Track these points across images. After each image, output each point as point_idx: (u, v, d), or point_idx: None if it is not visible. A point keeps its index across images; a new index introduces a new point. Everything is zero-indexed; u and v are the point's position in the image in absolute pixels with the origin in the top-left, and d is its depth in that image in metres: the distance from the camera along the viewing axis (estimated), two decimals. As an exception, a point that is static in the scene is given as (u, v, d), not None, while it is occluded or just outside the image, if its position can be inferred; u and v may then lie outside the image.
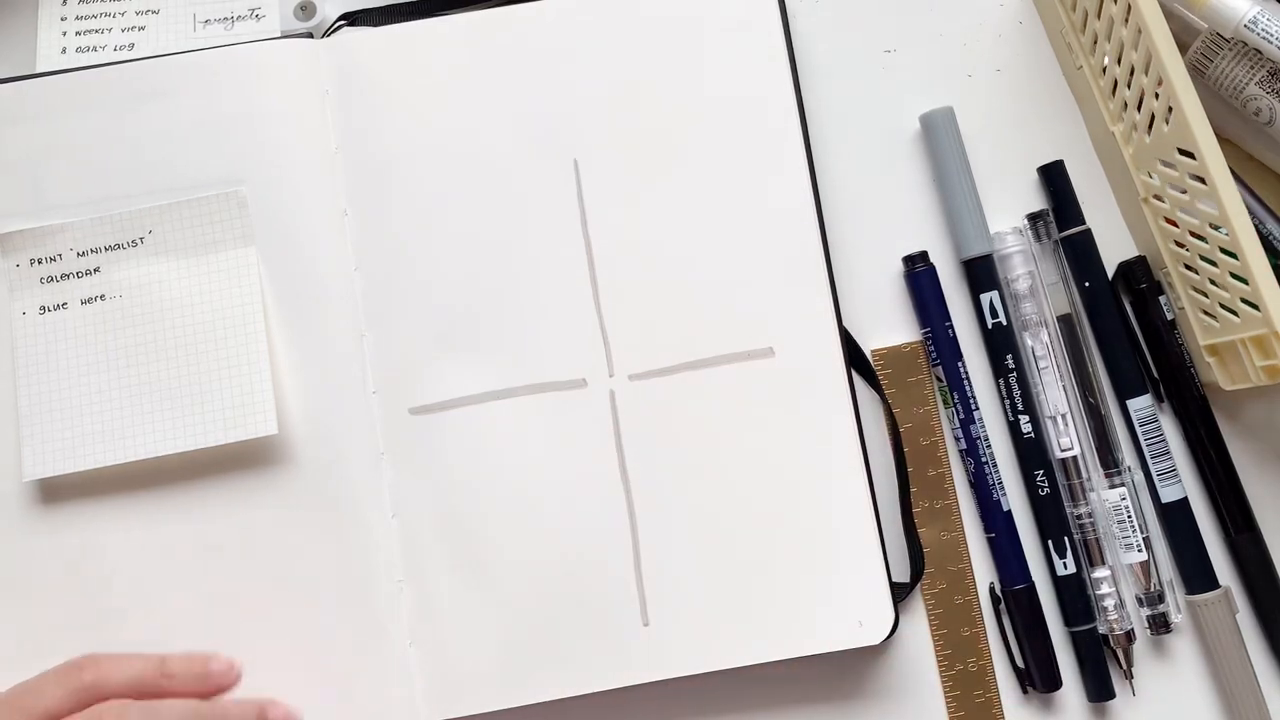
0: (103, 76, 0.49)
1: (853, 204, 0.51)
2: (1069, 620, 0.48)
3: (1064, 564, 0.48)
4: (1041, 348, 0.49)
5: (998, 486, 0.48)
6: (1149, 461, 0.48)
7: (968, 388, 0.49)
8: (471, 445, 0.47)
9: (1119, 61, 0.47)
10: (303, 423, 0.47)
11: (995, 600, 0.48)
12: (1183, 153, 0.44)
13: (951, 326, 0.49)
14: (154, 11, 0.53)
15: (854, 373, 0.48)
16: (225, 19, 0.53)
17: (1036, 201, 0.51)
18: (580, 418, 0.48)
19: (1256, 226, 0.44)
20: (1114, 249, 0.50)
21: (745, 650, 0.46)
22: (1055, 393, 0.48)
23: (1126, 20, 0.45)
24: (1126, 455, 0.48)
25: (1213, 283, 0.45)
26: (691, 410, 0.47)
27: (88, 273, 0.48)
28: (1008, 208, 0.50)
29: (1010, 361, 0.49)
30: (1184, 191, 0.44)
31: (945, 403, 0.49)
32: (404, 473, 0.47)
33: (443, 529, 0.47)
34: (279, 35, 0.52)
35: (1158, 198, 0.47)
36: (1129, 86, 0.46)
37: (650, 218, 0.49)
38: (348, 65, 0.50)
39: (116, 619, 0.47)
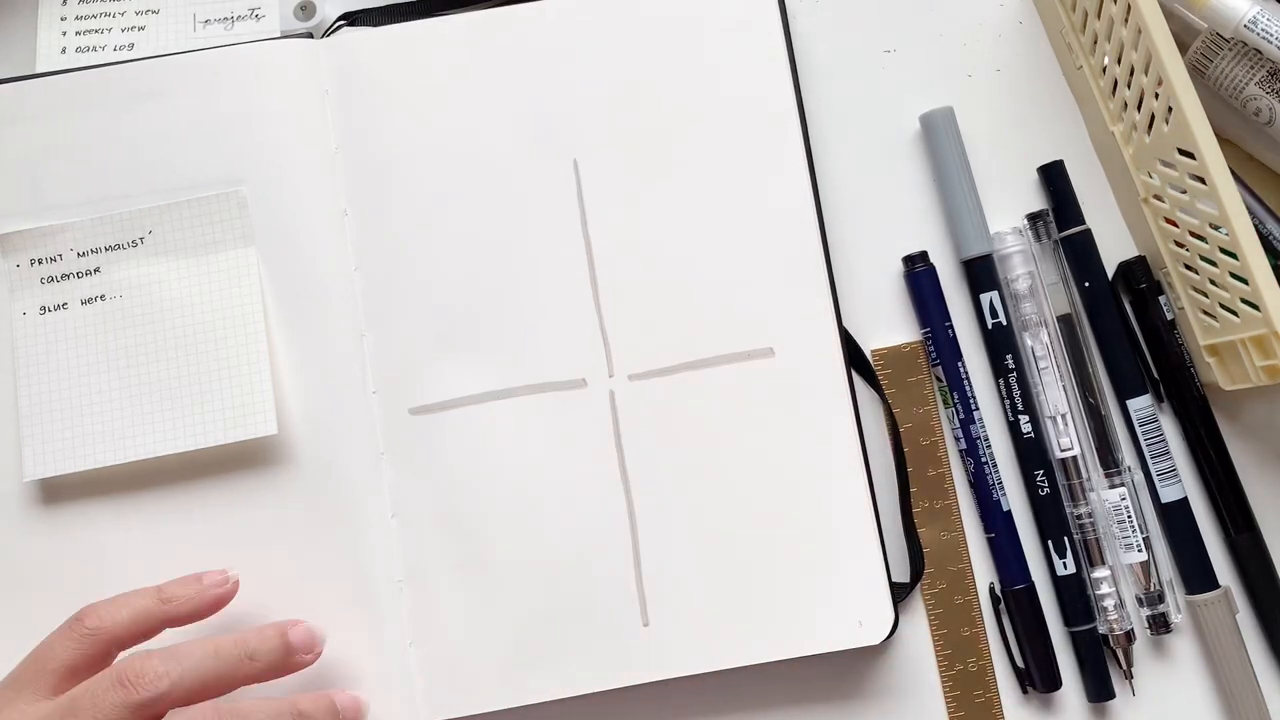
0: (102, 76, 0.49)
1: (853, 204, 0.51)
2: (1069, 620, 0.48)
3: (1064, 564, 0.48)
4: (1041, 348, 0.49)
5: (998, 486, 0.48)
6: (1149, 461, 0.48)
7: (968, 388, 0.49)
8: (471, 445, 0.47)
9: (1119, 61, 0.46)
10: (303, 423, 0.47)
11: (995, 600, 0.48)
12: (1183, 153, 0.43)
13: (951, 326, 0.49)
14: (154, 11, 0.53)
15: (854, 373, 0.48)
16: (225, 19, 0.53)
17: (1036, 201, 0.51)
18: (580, 418, 0.48)
19: (1256, 226, 0.44)
20: (1114, 249, 0.50)
21: (745, 650, 0.46)
22: (1055, 393, 0.48)
23: (1126, 20, 0.45)
24: (1126, 455, 0.48)
25: (1213, 283, 0.45)
26: (691, 410, 0.47)
27: (88, 273, 0.48)
28: (1008, 208, 0.50)
29: (1010, 361, 0.49)
30: (1184, 191, 0.44)
31: (945, 403, 0.49)
32: (404, 473, 0.47)
33: (443, 529, 0.47)
34: (279, 35, 0.52)
35: (1158, 198, 0.47)
36: (1129, 86, 0.46)
37: (650, 218, 0.49)
38: (348, 65, 0.50)
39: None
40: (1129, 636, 0.47)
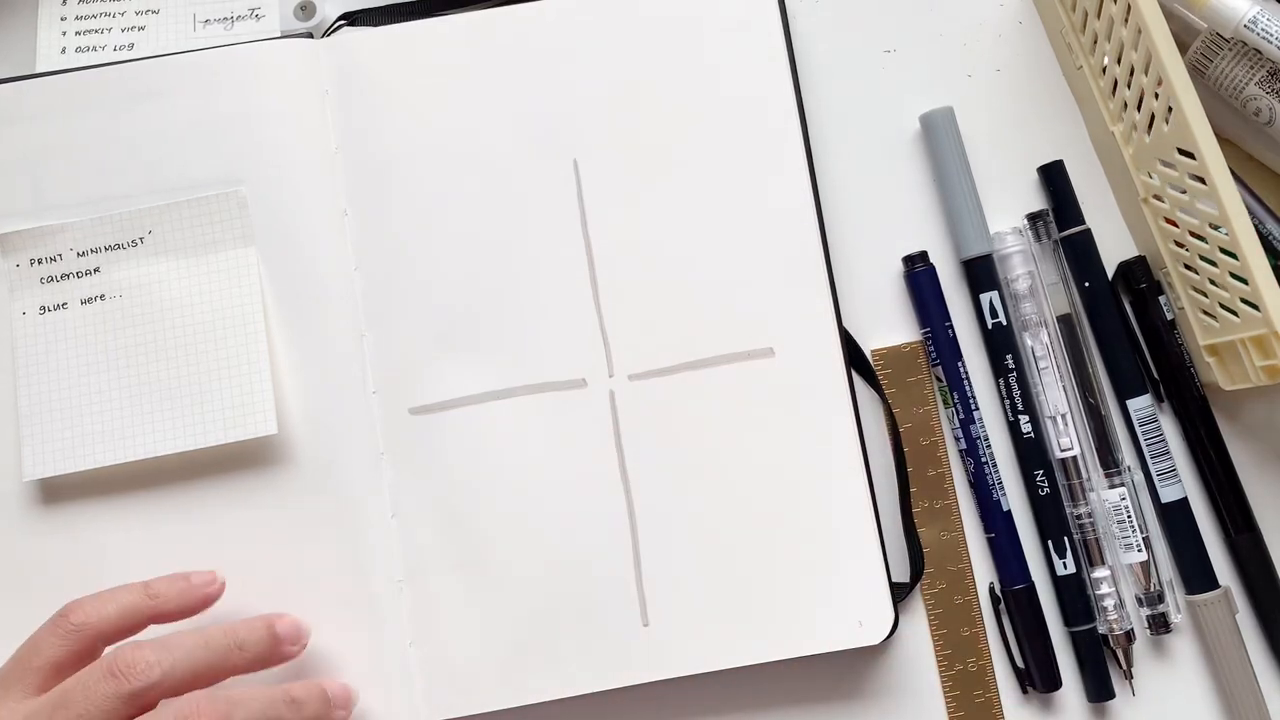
0: (102, 76, 0.49)
1: (853, 204, 0.51)
2: (1069, 620, 0.48)
3: (1064, 564, 0.48)
4: (1041, 348, 0.49)
5: (997, 486, 0.48)
6: (1149, 461, 0.48)
7: (967, 388, 0.49)
8: (471, 445, 0.47)
9: (1119, 61, 0.46)
10: (303, 423, 0.47)
11: (995, 600, 0.48)
12: (1183, 153, 0.43)
13: (951, 326, 0.49)
14: (154, 11, 0.53)
15: (854, 373, 0.48)
16: (225, 19, 0.53)
17: (1036, 201, 0.51)
18: (580, 418, 0.48)
19: (1256, 226, 0.44)
20: (1114, 249, 0.50)
21: (745, 650, 0.46)
22: (1055, 393, 0.48)
23: (1126, 20, 0.45)
24: (1126, 455, 0.48)
25: (1213, 283, 0.45)
26: (691, 410, 0.47)
27: (88, 273, 0.48)
28: (1008, 208, 0.50)
29: (1010, 361, 0.49)
30: (1184, 191, 0.44)
31: (945, 403, 0.49)
32: (404, 473, 0.47)
33: (443, 529, 0.47)
34: (279, 35, 0.52)
35: (1157, 198, 0.47)
36: (1129, 86, 0.46)
37: (650, 218, 0.49)
38: (348, 65, 0.50)
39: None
40: (1129, 636, 0.47)
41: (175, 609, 0.44)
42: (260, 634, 0.43)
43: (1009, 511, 0.48)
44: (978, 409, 0.49)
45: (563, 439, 0.47)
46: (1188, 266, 0.47)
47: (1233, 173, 0.42)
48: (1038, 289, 0.49)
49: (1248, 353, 0.44)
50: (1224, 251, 0.43)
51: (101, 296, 0.48)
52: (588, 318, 0.48)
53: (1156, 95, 0.44)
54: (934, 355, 0.49)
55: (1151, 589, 0.47)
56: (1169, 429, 0.49)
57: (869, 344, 0.50)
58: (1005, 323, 0.49)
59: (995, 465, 0.48)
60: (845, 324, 0.48)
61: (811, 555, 0.46)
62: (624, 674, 0.46)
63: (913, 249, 0.50)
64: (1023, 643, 0.48)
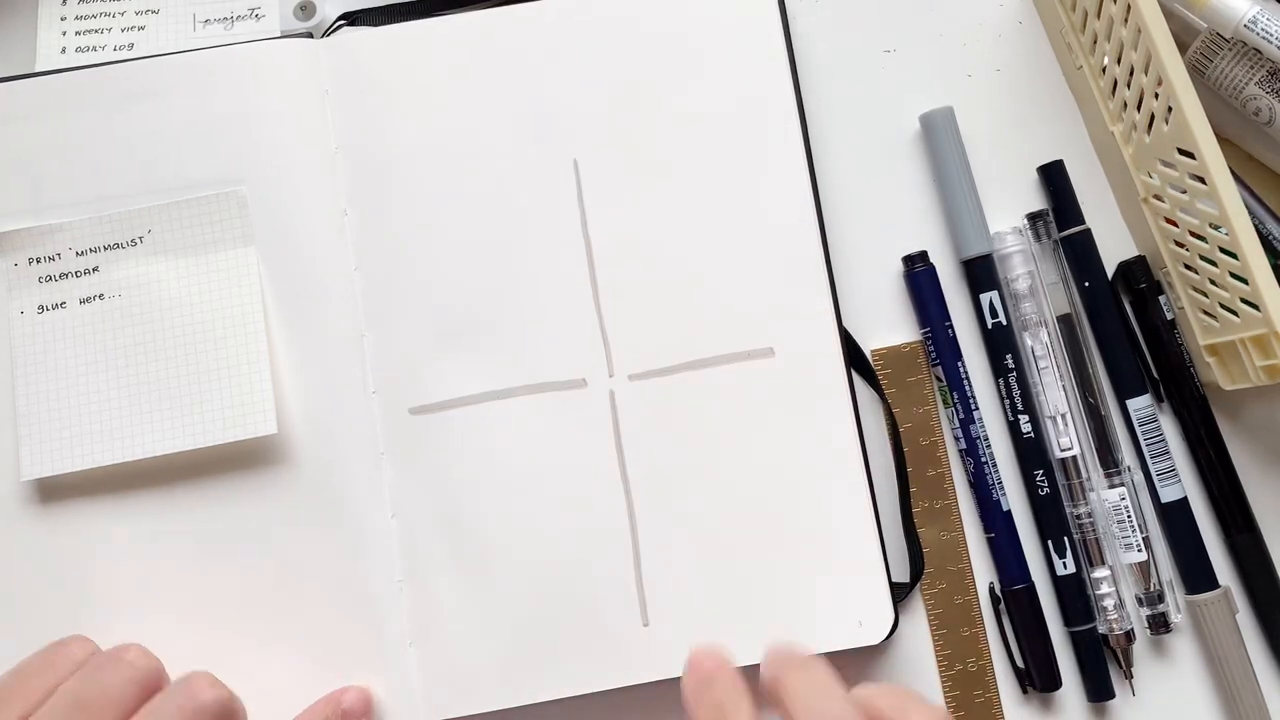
0: (101, 76, 0.49)
1: (853, 204, 0.51)
2: (1069, 620, 0.48)
3: (1064, 564, 0.48)
4: (1041, 348, 0.49)
5: (997, 486, 0.48)
6: (1149, 461, 0.48)
7: (967, 387, 0.49)
8: (471, 445, 0.47)
9: (1119, 61, 0.46)
10: (302, 423, 0.47)
11: (995, 600, 0.48)
12: (1183, 153, 0.43)
13: (951, 326, 0.49)
14: (153, 11, 0.53)
15: (854, 373, 0.48)
16: (225, 19, 0.53)
17: (1036, 201, 0.51)
18: (580, 418, 0.47)
19: (1256, 226, 0.44)
20: (1114, 249, 0.50)
21: (745, 650, 0.46)
22: (1055, 393, 0.48)
23: (1126, 20, 0.45)
24: (1126, 455, 0.48)
25: (1213, 283, 0.45)
26: (691, 410, 0.47)
27: (86, 272, 0.48)
28: (1008, 208, 0.50)
29: (1010, 361, 0.49)
30: (1184, 191, 0.44)
31: (945, 402, 0.49)
32: (404, 473, 0.47)
33: (443, 529, 0.47)
34: (278, 35, 0.52)
35: (1157, 198, 0.47)
36: (1129, 86, 0.46)
37: (650, 217, 0.49)
38: (347, 65, 0.50)
39: (115, 618, 0.46)
40: (1129, 636, 0.47)
41: None
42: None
43: (1009, 511, 0.48)
44: (978, 409, 0.49)
45: (563, 439, 0.47)
46: (1188, 266, 0.47)
47: (1233, 173, 0.42)
48: (1038, 289, 0.49)
49: (1248, 353, 0.44)
50: (1224, 251, 0.43)
51: (100, 296, 0.48)
52: (588, 318, 0.48)
53: (1156, 95, 0.44)
54: (934, 355, 0.49)
55: (1151, 589, 0.47)
56: (1169, 429, 0.49)
57: (869, 344, 0.50)
58: (1005, 322, 0.49)
59: (995, 465, 0.48)
60: (845, 324, 0.48)
61: (811, 555, 0.46)
62: (624, 674, 0.46)
63: (913, 249, 0.50)
64: (1022, 643, 0.48)
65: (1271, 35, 0.45)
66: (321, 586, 0.46)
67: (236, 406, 0.47)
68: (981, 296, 0.49)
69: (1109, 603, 0.47)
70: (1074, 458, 0.48)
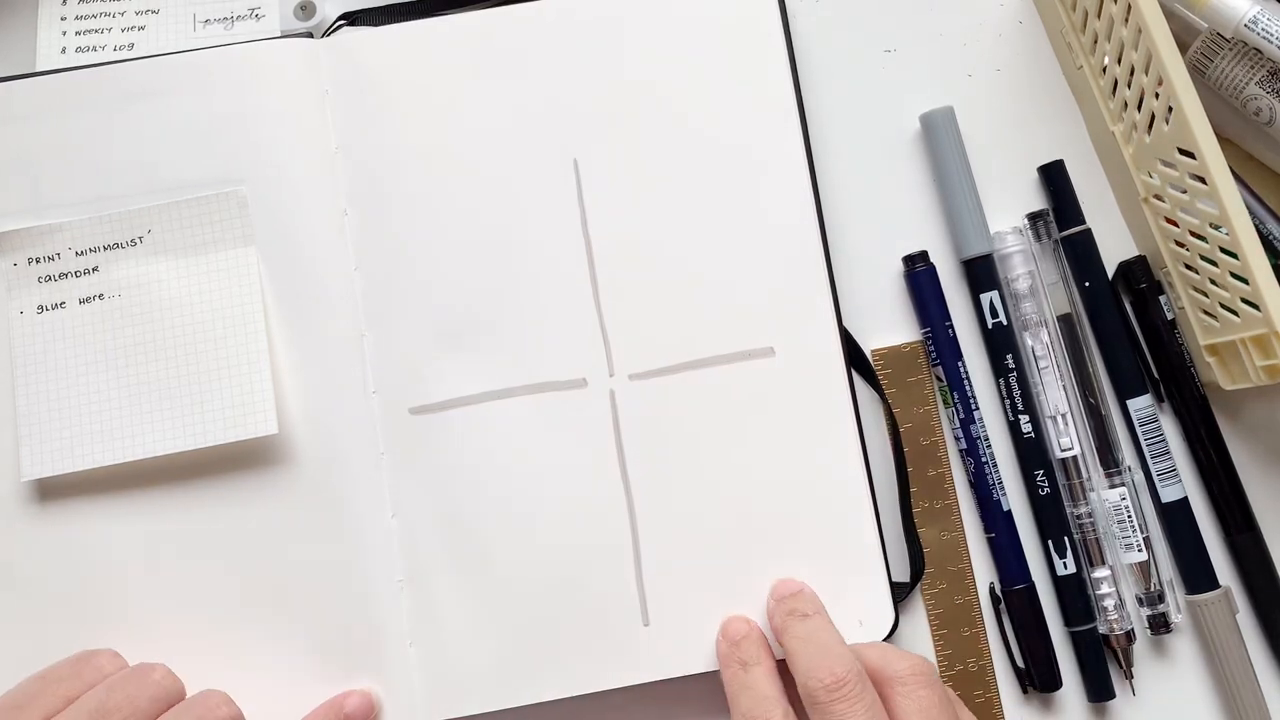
0: (100, 76, 0.49)
1: (853, 204, 0.51)
2: (1069, 620, 0.48)
3: (1064, 564, 0.48)
4: (1041, 347, 0.49)
5: (998, 486, 0.48)
6: (1149, 461, 0.48)
7: (968, 387, 0.49)
8: (472, 445, 0.47)
9: (1119, 61, 0.46)
10: (303, 423, 0.47)
11: (995, 600, 0.48)
12: (1183, 152, 0.43)
13: (951, 326, 0.49)
14: (153, 11, 0.53)
15: (854, 372, 0.48)
16: (225, 19, 0.53)
17: (1036, 201, 0.51)
18: (580, 417, 0.48)
19: (1256, 226, 0.44)
20: (1114, 249, 0.50)
21: None
22: (1055, 392, 0.48)
23: (1126, 20, 0.45)
24: (1126, 455, 0.48)
25: (1213, 282, 0.45)
26: (692, 410, 0.47)
27: (86, 272, 0.48)
28: (1008, 207, 0.50)
29: (1010, 361, 0.49)
30: (1184, 191, 0.44)
31: (945, 402, 0.49)
32: (404, 473, 0.47)
33: (443, 529, 0.47)
34: (278, 35, 0.52)
35: (1158, 197, 0.47)
36: (1129, 86, 0.46)
37: (650, 217, 0.49)
38: (347, 65, 0.50)
39: (116, 619, 0.46)
40: (1129, 636, 0.47)
41: None
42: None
43: (1009, 511, 0.48)
44: (978, 409, 0.49)
45: (563, 439, 0.47)
46: (1188, 266, 0.47)
47: (1233, 172, 0.42)
48: (1038, 289, 0.49)
49: (1248, 352, 0.44)
50: (1224, 251, 0.43)
51: (100, 296, 0.48)
52: (588, 317, 0.48)
53: (1157, 95, 0.44)
54: (934, 355, 0.49)
55: (1152, 589, 0.47)
56: (1169, 429, 0.49)
57: (869, 344, 0.50)
58: (1005, 322, 0.49)
59: (995, 465, 0.48)
60: (845, 324, 0.48)
61: (812, 555, 0.46)
62: (624, 674, 0.46)
63: (913, 249, 0.50)
64: (1023, 643, 0.48)
65: (1272, 35, 0.45)
66: (321, 586, 0.46)
67: (237, 406, 0.47)
68: (982, 296, 0.49)
69: (1109, 603, 0.47)
70: (1074, 458, 0.48)
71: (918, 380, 0.50)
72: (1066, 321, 0.49)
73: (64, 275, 0.48)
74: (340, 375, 0.48)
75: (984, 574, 0.49)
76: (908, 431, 0.49)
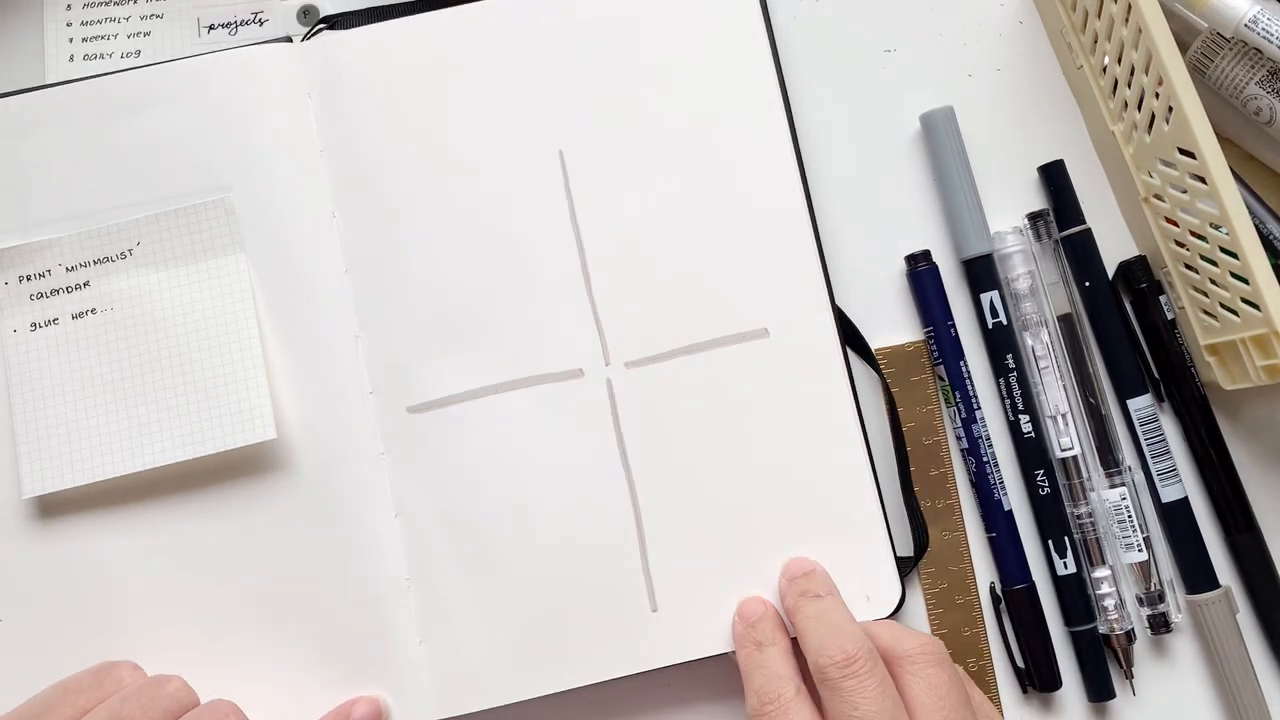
0: (83, 91, 0.49)
1: (852, 204, 0.50)
2: (1069, 620, 0.48)
3: (1064, 564, 0.48)
4: (1042, 347, 0.49)
5: (999, 486, 0.48)
6: (1149, 461, 0.48)
7: (970, 387, 0.49)
8: (471, 441, 0.47)
9: (1119, 61, 0.46)
10: (301, 426, 0.47)
11: (995, 600, 0.48)
12: (1183, 152, 0.43)
13: (954, 325, 0.49)
14: (158, 16, 0.52)
15: (850, 351, 0.48)
16: (229, 24, 0.52)
17: (1036, 201, 0.50)
18: (578, 407, 0.48)
19: (1256, 226, 0.44)
20: (1114, 249, 0.50)
21: None
22: (1055, 392, 0.48)
23: (1127, 20, 0.44)
24: (1126, 455, 0.48)
25: (1213, 282, 0.45)
26: (689, 394, 0.47)
27: (77, 287, 0.48)
28: (1008, 207, 0.50)
29: (1010, 361, 0.49)
30: (1184, 191, 0.44)
31: (947, 401, 0.49)
32: (405, 471, 0.47)
33: (446, 526, 0.47)
34: (255, 42, 0.51)
35: (1158, 197, 0.47)
36: (1129, 86, 0.46)
37: (638, 205, 0.48)
38: (328, 67, 0.49)
39: (121, 632, 0.46)
40: (1129, 636, 0.48)
41: None
42: None
43: (1010, 511, 0.48)
44: (979, 408, 0.49)
45: (562, 430, 0.47)
46: (1188, 266, 0.47)
47: (1233, 172, 0.42)
48: (1038, 288, 0.49)
49: (1248, 352, 0.44)
50: (1224, 251, 0.43)
51: (93, 310, 0.48)
52: (581, 308, 0.48)
53: (1157, 95, 0.44)
54: (936, 354, 0.49)
55: (1152, 589, 0.47)
56: (1169, 429, 0.49)
57: (869, 344, 0.50)
58: (1006, 322, 0.49)
59: (997, 465, 0.48)
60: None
61: (815, 532, 0.47)
62: (634, 661, 0.46)
63: (913, 249, 0.50)
64: (1023, 643, 0.48)
65: (1272, 35, 0.45)
66: (327, 589, 0.46)
67: (234, 413, 0.47)
68: (982, 296, 0.49)
69: (1109, 602, 0.47)
70: (1074, 457, 0.48)
71: (920, 380, 0.50)
72: (1066, 321, 0.49)
73: (55, 291, 0.48)
74: (336, 377, 0.48)
75: (985, 574, 0.49)
76: (910, 431, 0.49)
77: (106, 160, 0.48)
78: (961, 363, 0.49)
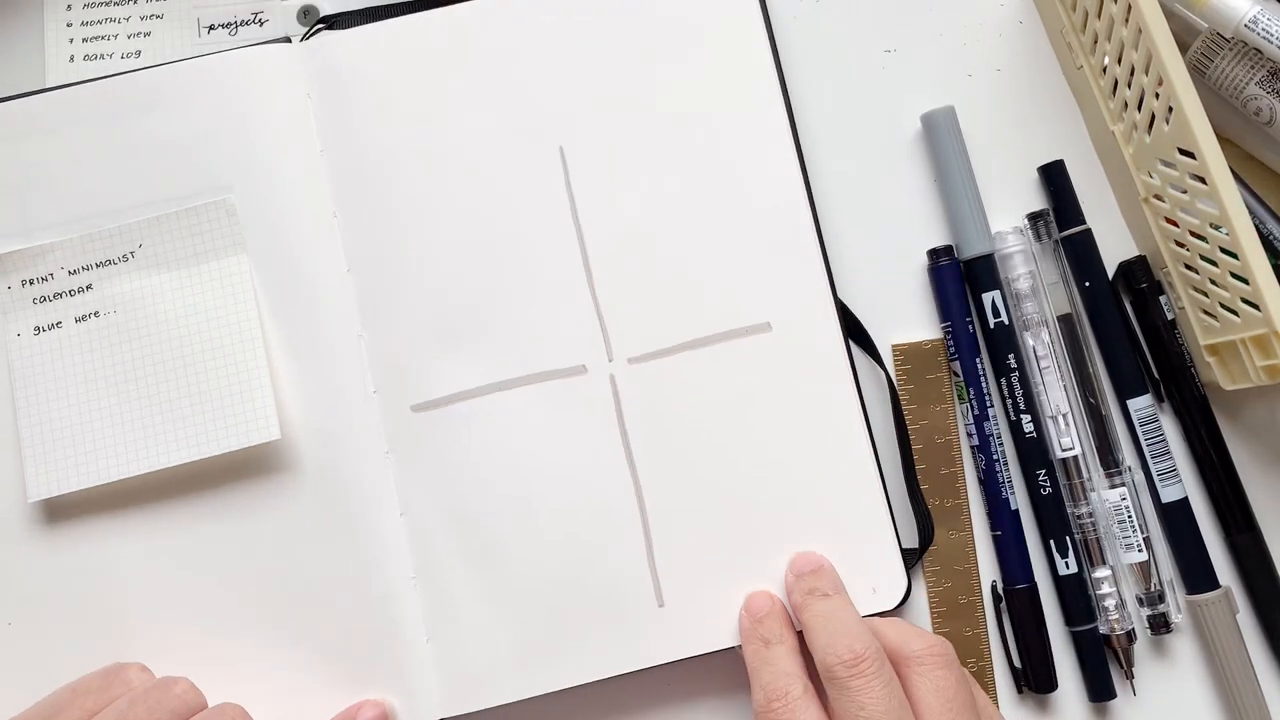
0: (82, 93, 0.49)
1: (853, 204, 0.50)
2: (1070, 620, 0.48)
3: (1065, 564, 0.48)
4: (1042, 347, 0.49)
5: (1007, 484, 0.48)
6: (1149, 461, 0.48)
7: (984, 383, 0.49)
8: (475, 438, 0.47)
9: (1119, 61, 0.46)
10: (305, 426, 0.47)
11: (996, 599, 0.48)
12: (1183, 152, 0.43)
13: (971, 321, 0.49)
14: (158, 17, 0.52)
15: (853, 344, 0.48)
16: (229, 24, 0.52)
17: (1037, 201, 0.50)
18: (582, 404, 0.48)
19: (1256, 226, 0.44)
20: (1114, 249, 0.50)
21: None
22: (1056, 392, 0.48)
23: (1127, 20, 0.44)
24: (1127, 455, 0.49)
25: (1213, 282, 0.45)
26: (693, 389, 0.48)
27: (80, 290, 0.48)
28: (1008, 207, 0.50)
29: (1012, 361, 0.49)
30: (1184, 191, 0.44)
31: (960, 397, 0.49)
32: (409, 470, 0.47)
33: (451, 524, 0.47)
34: (255, 43, 0.51)
35: (1158, 197, 0.47)
36: (1129, 86, 0.46)
37: (639, 201, 0.49)
38: (327, 67, 0.49)
39: (127, 634, 0.47)
40: (1130, 636, 0.48)
41: None
42: None
43: (1016, 510, 0.48)
44: (991, 405, 0.49)
45: (566, 426, 0.47)
46: (1188, 266, 0.47)
47: (1233, 172, 0.42)
48: (1039, 288, 0.49)
49: (1248, 352, 0.44)
50: (1224, 251, 0.43)
51: (95, 313, 0.48)
52: (584, 304, 0.48)
53: (1157, 95, 0.44)
54: (953, 350, 0.49)
55: (1152, 589, 0.47)
56: (1169, 429, 0.49)
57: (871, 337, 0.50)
58: (1007, 322, 0.49)
59: (1006, 463, 0.48)
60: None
61: (821, 524, 0.47)
62: (641, 656, 0.46)
63: (913, 249, 0.50)
64: (1021, 643, 0.48)
65: (1272, 35, 0.44)
66: (334, 589, 0.47)
67: (238, 414, 0.47)
68: (983, 296, 0.49)
69: (1110, 603, 0.47)
70: (1075, 458, 0.48)
71: (936, 379, 0.50)
72: (1067, 321, 0.49)
73: (58, 295, 0.48)
74: (340, 377, 0.48)
75: (988, 574, 0.49)
76: (923, 429, 0.49)
77: (107, 162, 0.48)
78: (977, 359, 0.49)
